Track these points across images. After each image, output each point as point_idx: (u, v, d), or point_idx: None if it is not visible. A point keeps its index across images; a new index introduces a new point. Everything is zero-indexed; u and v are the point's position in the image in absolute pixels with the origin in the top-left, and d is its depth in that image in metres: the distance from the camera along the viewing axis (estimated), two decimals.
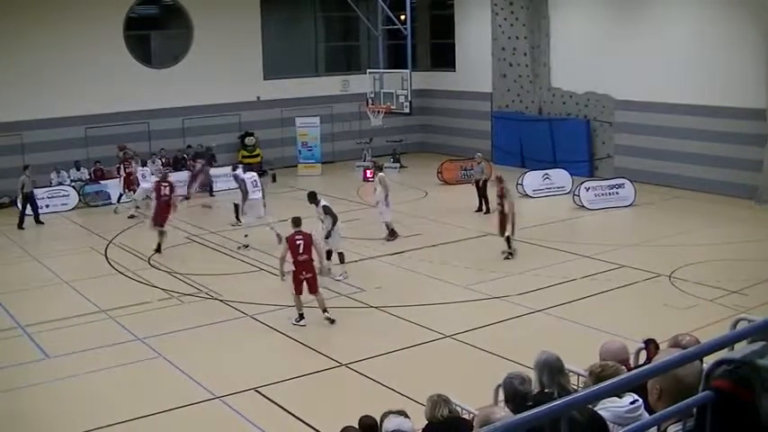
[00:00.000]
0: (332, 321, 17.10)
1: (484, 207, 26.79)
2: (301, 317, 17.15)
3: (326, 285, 19.69)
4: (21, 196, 27.23)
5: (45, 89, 30.57)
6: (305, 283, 17.03)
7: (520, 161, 34.29)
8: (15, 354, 16.04)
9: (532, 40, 34.46)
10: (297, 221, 17.61)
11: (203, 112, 34.50)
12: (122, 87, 32.04)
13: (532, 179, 29.72)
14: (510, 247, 21.48)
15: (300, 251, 16.96)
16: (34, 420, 13.47)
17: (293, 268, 17.07)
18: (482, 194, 26.89)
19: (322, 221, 20.32)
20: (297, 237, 17.14)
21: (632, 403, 6.12)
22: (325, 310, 17.24)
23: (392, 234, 23.38)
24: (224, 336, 16.98)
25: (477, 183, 27.36)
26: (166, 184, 23.83)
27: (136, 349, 16.06)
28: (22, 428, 13.29)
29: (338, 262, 20.47)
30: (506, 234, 21.33)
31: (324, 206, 20.27)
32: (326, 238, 20.06)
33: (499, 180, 22.02)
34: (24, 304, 18.92)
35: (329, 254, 20.23)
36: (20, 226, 26.95)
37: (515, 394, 7.32)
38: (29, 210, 27.21)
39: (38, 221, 27.31)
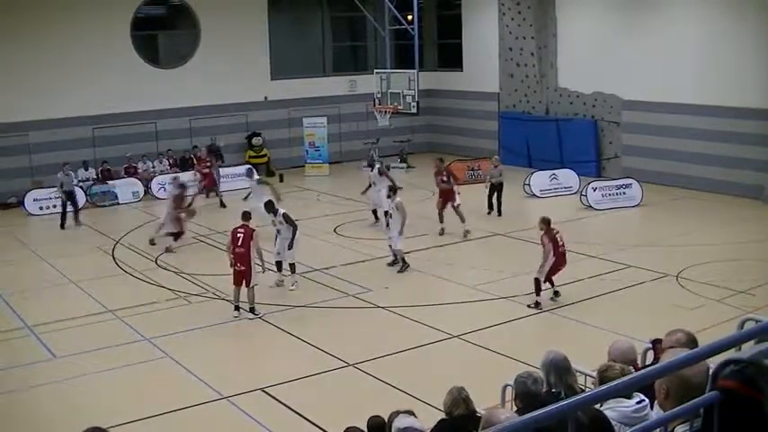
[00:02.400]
0: (253, 313, 17.76)
1: (495, 210, 26.64)
2: (236, 308, 17.76)
3: (332, 285, 19.73)
4: (61, 194, 27.12)
5: (52, 89, 30.60)
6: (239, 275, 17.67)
7: (527, 161, 34.27)
8: (23, 354, 16.08)
9: (539, 40, 34.44)
10: (245, 215, 18.36)
11: (210, 113, 34.50)
12: (129, 87, 32.07)
13: (540, 179, 29.71)
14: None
15: (239, 243, 17.65)
16: (41, 420, 13.49)
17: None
18: (497, 198, 26.54)
19: (279, 231, 19.82)
20: (239, 229, 17.86)
21: (638, 403, 6.11)
22: (252, 310, 17.80)
23: (404, 263, 21.26)
24: (231, 336, 17.00)
25: (492, 185, 26.69)
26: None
27: (143, 349, 16.07)
28: (30, 428, 13.31)
29: (290, 272, 19.78)
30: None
31: (283, 214, 19.71)
32: (289, 248, 19.58)
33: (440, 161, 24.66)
34: (31, 304, 18.96)
35: (279, 265, 19.88)
36: (62, 226, 26.85)
37: (527, 394, 7.32)
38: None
39: (77, 222, 27.05)
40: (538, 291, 17.91)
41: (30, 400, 14.14)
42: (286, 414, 13.07)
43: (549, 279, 18.13)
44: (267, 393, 13.77)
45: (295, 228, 19.62)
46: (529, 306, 17.96)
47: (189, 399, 13.70)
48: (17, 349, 16.43)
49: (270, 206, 20.00)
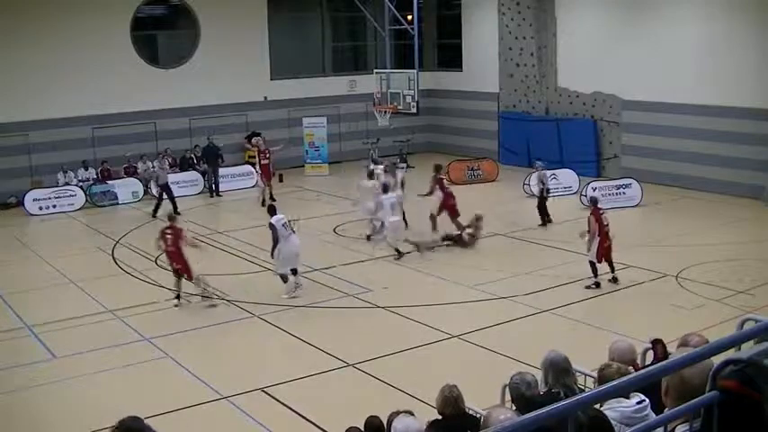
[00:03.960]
0: (176, 305, 18.64)
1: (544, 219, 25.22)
2: (177, 297, 18.80)
3: (332, 285, 19.74)
4: (156, 187, 28.47)
5: (51, 89, 30.62)
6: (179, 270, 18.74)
7: (527, 161, 34.24)
8: (22, 354, 16.08)
9: (539, 40, 34.45)
10: (170, 217, 19.75)
11: (210, 113, 34.51)
12: (129, 87, 32.06)
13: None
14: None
15: (169, 243, 18.67)
16: (41, 420, 13.49)
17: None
18: (541, 206, 25.29)
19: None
20: (167, 231, 18.80)
21: (639, 403, 6.10)
22: (203, 297, 18.75)
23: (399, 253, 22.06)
24: (231, 336, 17.00)
25: (541, 193, 25.52)
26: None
27: (143, 349, 16.08)
28: (30, 428, 13.31)
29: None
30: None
31: (269, 223, 19.14)
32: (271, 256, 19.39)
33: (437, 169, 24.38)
34: (31, 304, 18.97)
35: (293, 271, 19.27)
36: (154, 215, 27.53)
37: (521, 398, 7.32)
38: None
39: (176, 212, 26.92)
40: (595, 272, 18.96)
41: (29, 400, 14.13)
42: (286, 414, 13.08)
43: (607, 260, 19.01)
44: (267, 393, 13.78)
45: (275, 241, 18.99)
46: (588, 287, 18.84)
47: (189, 399, 13.71)
48: (17, 349, 16.44)
49: (271, 210, 19.80)
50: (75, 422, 13.17)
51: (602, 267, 19.13)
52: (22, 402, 14.08)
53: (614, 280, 19.08)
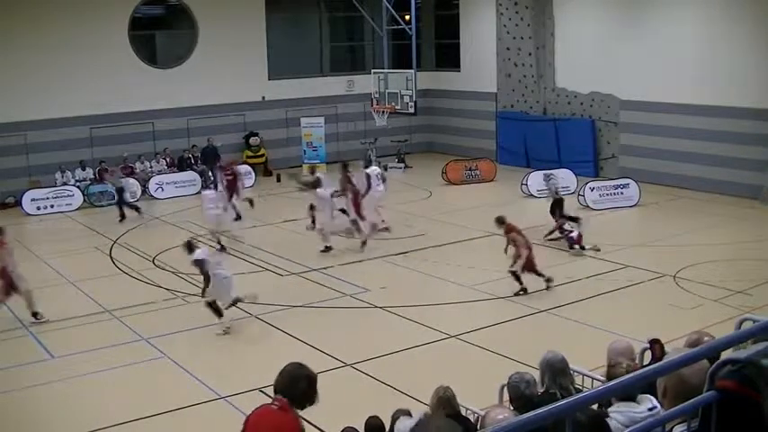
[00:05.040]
0: (36, 318, 17.75)
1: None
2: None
3: (330, 285, 19.74)
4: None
5: (49, 89, 30.59)
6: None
7: (525, 161, 34.28)
8: (20, 354, 16.07)
9: (537, 39, 34.46)
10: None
11: (208, 113, 34.49)
12: (127, 87, 32.05)
13: (537, 179, 29.69)
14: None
15: None
16: (39, 420, 13.48)
17: None
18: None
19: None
20: None
21: (650, 410, 6.06)
22: (34, 315, 17.80)
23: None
24: (228, 336, 16.98)
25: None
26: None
27: (140, 349, 16.08)
28: (27, 429, 13.30)
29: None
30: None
31: (194, 260, 17.08)
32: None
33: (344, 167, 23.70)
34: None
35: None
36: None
37: (521, 397, 7.32)
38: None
39: (122, 221, 27.35)
40: (520, 281, 18.63)
41: (27, 400, 14.12)
42: None
43: (532, 270, 18.65)
44: (264, 393, 13.76)
45: (207, 280, 16.97)
46: (516, 294, 18.55)
47: (186, 399, 13.71)
48: (15, 349, 16.42)
49: (188, 246, 17.42)
50: (73, 422, 13.16)
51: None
52: (19, 402, 14.06)
53: (549, 281, 18.88)
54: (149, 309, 18.47)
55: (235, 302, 17.22)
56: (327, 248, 22.68)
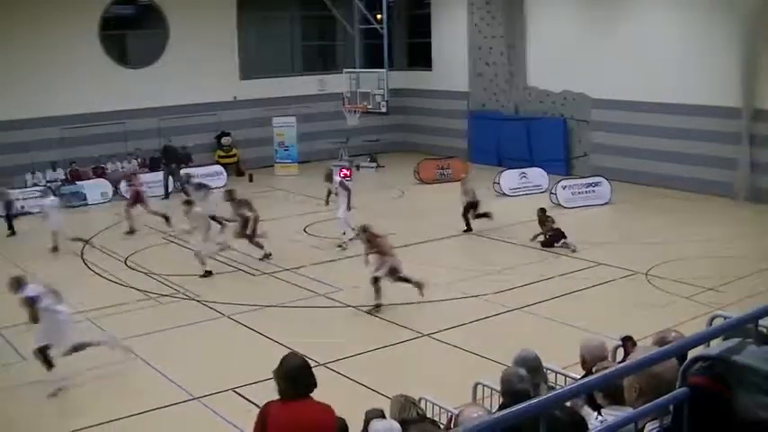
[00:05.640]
0: None
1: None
2: None
3: (303, 285, 19.72)
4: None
5: (20, 89, 30.33)
6: None
7: (497, 160, 34.34)
8: None
9: (509, 38, 34.56)
10: None
11: (180, 112, 34.35)
12: (98, 87, 31.83)
13: (509, 178, 29.82)
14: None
15: None
16: (8, 422, 13.38)
17: None
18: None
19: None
20: None
21: None
22: None
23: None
24: (201, 336, 16.94)
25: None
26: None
27: (113, 351, 15.98)
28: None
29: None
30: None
31: (24, 298, 14.44)
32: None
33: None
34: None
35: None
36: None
37: (514, 393, 7.29)
38: None
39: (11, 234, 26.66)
40: (378, 292, 17.92)
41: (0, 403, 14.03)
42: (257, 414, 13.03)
43: (397, 276, 18.16)
44: (238, 393, 13.74)
45: (35, 320, 14.44)
46: (374, 308, 17.97)
47: (160, 400, 13.64)
48: None
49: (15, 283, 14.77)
50: (46, 424, 13.09)
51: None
52: None
53: (419, 286, 18.15)
54: (122, 310, 18.35)
55: (76, 349, 14.56)
56: (207, 273, 20.80)
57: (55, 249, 23.61)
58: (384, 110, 32.07)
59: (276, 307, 18.39)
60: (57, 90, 31.02)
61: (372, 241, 18.29)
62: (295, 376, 7.39)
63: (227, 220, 23.05)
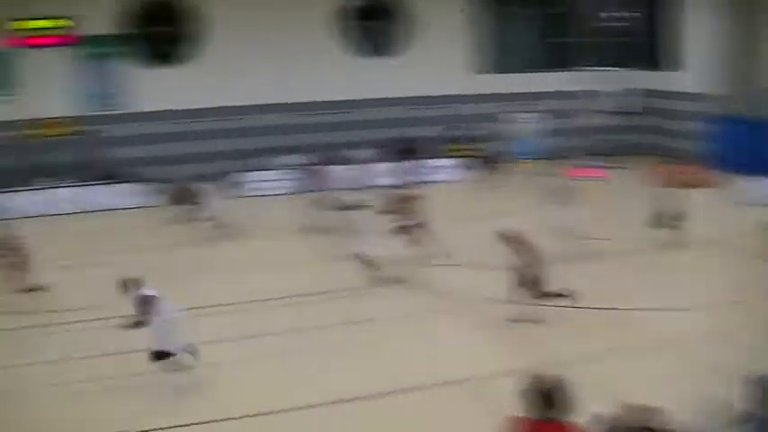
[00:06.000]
0: None
1: None
2: None
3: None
4: None
5: (264, 77, 32.87)
6: None
7: (743, 167, 31.95)
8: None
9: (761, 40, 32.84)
10: None
11: (417, 104, 36.02)
12: (328, 77, 34.32)
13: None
14: None
15: None
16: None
17: None
18: None
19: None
20: None
21: None
22: None
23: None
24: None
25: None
26: None
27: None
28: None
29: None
30: None
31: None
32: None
33: None
34: None
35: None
36: None
37: None
38: None
39: None
40: None
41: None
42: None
43: None
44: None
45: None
46: None
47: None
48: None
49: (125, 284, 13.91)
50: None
51: None
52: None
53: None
54: None
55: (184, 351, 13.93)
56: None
57: None
58: (629, 110, 31.20)
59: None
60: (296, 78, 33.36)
61: None
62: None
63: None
